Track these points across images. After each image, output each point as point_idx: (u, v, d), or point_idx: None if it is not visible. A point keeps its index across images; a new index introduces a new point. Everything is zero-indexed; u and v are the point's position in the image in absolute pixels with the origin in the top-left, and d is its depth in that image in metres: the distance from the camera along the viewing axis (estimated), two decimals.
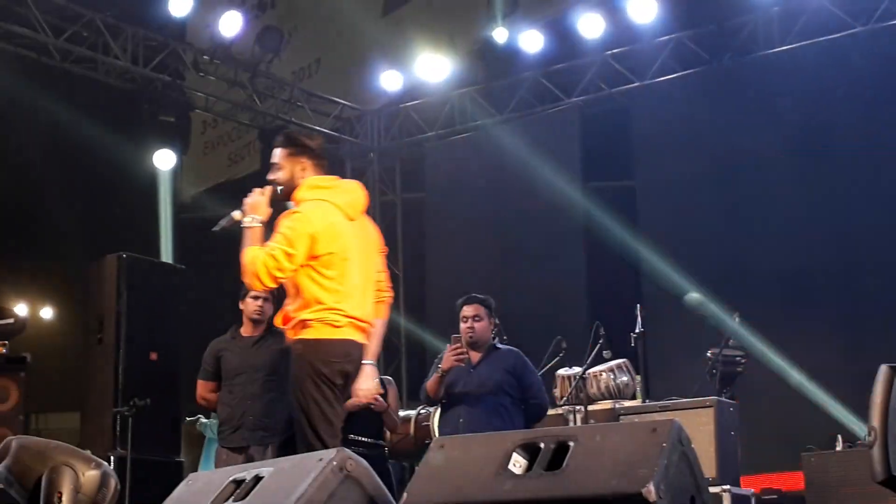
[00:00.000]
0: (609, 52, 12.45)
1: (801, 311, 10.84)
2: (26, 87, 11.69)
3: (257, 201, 5.24)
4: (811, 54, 11.22)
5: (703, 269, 10.76)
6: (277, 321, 5.31)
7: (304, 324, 5.13)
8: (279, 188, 5.32)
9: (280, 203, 5.37)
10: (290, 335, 5.17)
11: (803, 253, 10.92)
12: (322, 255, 5.16)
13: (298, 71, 14.21)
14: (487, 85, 13.53)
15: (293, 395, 5.08)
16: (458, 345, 6.78)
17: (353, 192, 5.45)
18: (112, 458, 8.20)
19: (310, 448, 4.78)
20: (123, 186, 13.91)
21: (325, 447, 4.72)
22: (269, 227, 5.30)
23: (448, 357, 6.77)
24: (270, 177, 5.36)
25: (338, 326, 5.12)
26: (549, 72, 12.92)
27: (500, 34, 12.51)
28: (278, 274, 5.09)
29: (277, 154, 5.38)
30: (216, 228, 5.33)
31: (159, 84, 12.38)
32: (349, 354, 5.17)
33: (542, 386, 7.09)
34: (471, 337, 6.93)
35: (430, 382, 6.94)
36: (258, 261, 5.09)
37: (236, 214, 5.28)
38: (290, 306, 5.21)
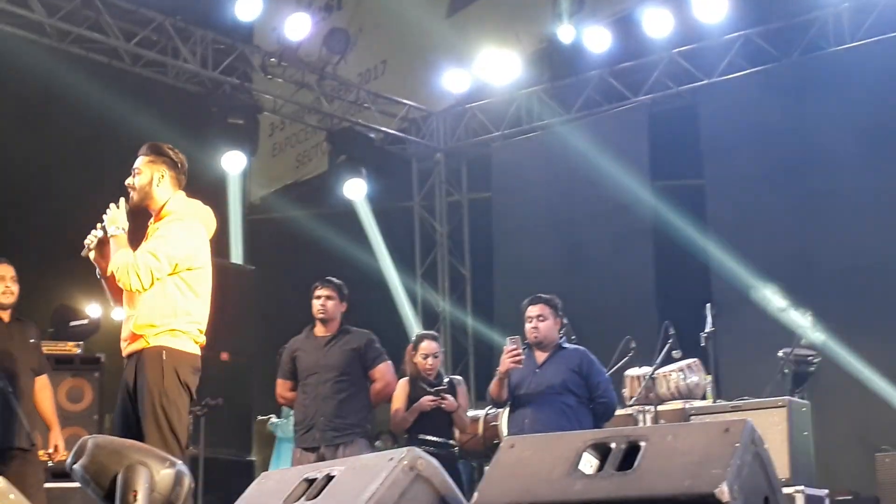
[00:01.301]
0: (676, 49, 12.35)
1: (873, 308, 10.67)
2: (97, 91, 11.84)
3: (116, 214, 5.32)
4: (882, 50, 11.05)
5: (774, 267, 10.65)
6: (128, 327, 5.34)
7: (171, 332, 5.26)
8: (134, 194, 5.44)
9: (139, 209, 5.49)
10: (150, 341, 5.24)
11: (875, 249, 10.75)
12: (195, 269, 5.36)
13: (365, 72, 14.26)
14: (553, 84, 13.48)
15: (153, 399, 5.17)
16: (514, 347, 6.75)
17: (212, 217, 5.70)
18: (183, 457, 8.29)
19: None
20: (193, 189, 14.00)
21: (182, 454, 5.05)
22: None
23: (504, 360, 6.76)
24: (129, 182, 5.46)
25: (198, 342, 5.36)
26: (616, 70, 12.85)
27: (566, 33, 12.45)
28: (158, 275, 5.20)
29: (140, 161, 5.49)
30: (84, 254, 5.39)
31: (228, 87, 12.50)
32: (199, 369, 5.39)
33: (609, 384, 7.05)
34: (535, 337, 6.91)
35: (492, 386, 6.95)
36: (139, 260, 5.17)
37: (96, 234, 5.36)
38: (148, 311, 5.26)
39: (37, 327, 7.22)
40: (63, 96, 11.94)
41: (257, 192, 15.04)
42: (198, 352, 5.36)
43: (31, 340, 7.00)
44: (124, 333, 5.35)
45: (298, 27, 12.24)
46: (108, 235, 5.27)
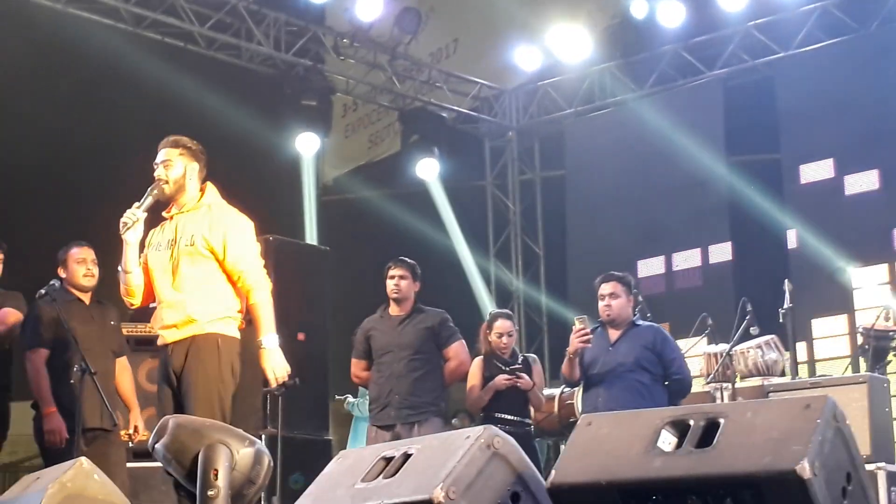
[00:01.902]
0: (752, 22, 12.19)
1: None
2: (172, 75, 11.97)
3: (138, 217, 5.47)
4: None
5: (853, 242, 10.50)
6: (177, 314, 5.43)
7: (223, 319, 5.41)
8: (167, 186, 5.53)
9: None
10: (206, 327, 5.37)
11: None
12: None
13: (436, 51, 14.24)
14: (627, 60, 13.35)
15: (210, 385, 5.31)
16: (582, 327, 6.72)
17: None
18: (263, 436, 8.38)
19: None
20: (268, 170, 14.15)
21: None
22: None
23: (573, 340, 6.74)
24: (160, 174, 5.55)
25: (241, 327, 5.52)
26: (690, 44, 12.72)
27: (638, 8, 12.35)
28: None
29: (168, 153, 5.58)
30: (122, 232, 5.48)
31: (301, 69, 12.57)
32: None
33: (683, 361, 7.00)
34: (608, 315, 6.88)
35: (563, 366, 6.94)
36: (260, 270, 5.53)
37: (137, 214, 5.48)
38: (202, 298, 5.40)
39: (117, 309, 7.31)
40: (138, 81, 12.10)
41: (330, 174, 15.12)
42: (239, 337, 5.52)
43: (112, 322, 7.10)
44: (169, 320, 5.43)
45: (370, 7, 12.26)
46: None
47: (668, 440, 3.29)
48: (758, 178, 11.78)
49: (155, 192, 5.51)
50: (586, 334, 6.70)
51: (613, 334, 6.90)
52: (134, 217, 5.43)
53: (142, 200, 5.47)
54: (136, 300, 5.60)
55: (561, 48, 13.05)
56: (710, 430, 3.22)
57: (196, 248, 5.41)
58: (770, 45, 12.18)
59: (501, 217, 14.63)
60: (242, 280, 5.45)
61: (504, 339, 7.46)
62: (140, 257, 5.55)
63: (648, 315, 7.81)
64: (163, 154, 5.57)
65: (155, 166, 5.58)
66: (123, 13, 11.45)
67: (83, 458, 4.54)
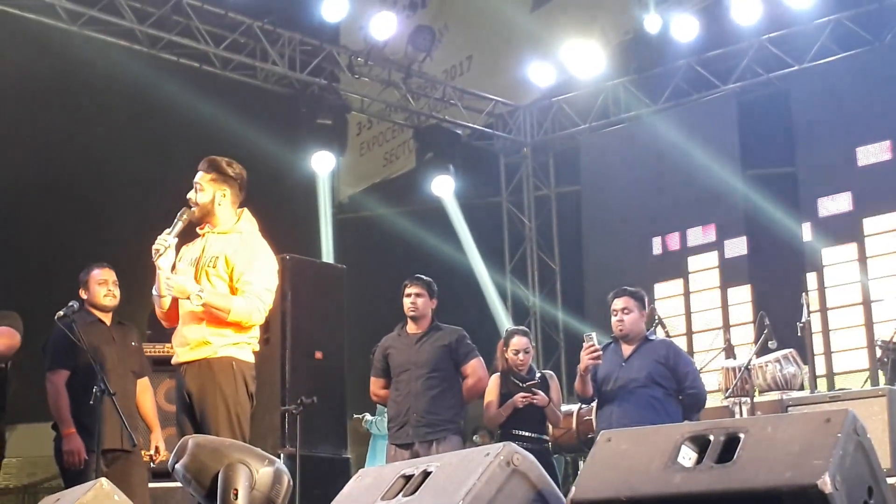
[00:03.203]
0: (765, 36, 12.20)
1: None
2: (188, 95, 12.03)
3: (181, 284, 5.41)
4: None
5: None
6: (192, 334, 5.41)
7: (237, 345, 5.40)
8: (195, 209, 5.52)
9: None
10: (219, 351, 5.36)
11: None
12: None
13: (450, 69, 14.29)
14: (641, 74, 13.37)
15: (228, 407, 5.33)
16: (591, 344, 6.70)
17: None
18: (281, 455, 8.37)
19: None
20: (284, 189, 14.20)
21: None
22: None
23: (583, 357, 6.72)
24: (191, 197, 5.53)
25: (255, 350, 5.52)
26: (704, 58, 12.73)
27: (652, 22, 12.36)
28: (266, 309, 5.53)
29: (201, 177, 5.55)
30: (155, 259, 5.43)
31: (316, 88, 12.62)
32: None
33: (697, 375, 6.97)
34: (621, 330, 6.86)
35: (576, 383, 6.92)
36: (254, 304, 5.39)
37: (167, 241, 5.44)
38: (218, 323, 5.37)
39: (137, 330, 7.34)
40: (155, 102, 12.16)
41: (346, 192, 15.17)
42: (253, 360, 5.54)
43: (133, 343, 7.12)
44: (185, 339, 5.43)
45: (384, 26, 12.30)
46: (196, 304, 5.34)
47: (688, 456, 3.28)
48: (774, 190, 11.76)
49: (184, 216, 5.49)
50: (596, 351, 6.68)
51: (626, 349, 6.89)
52: (165, 243, 5.40)
53: (172, 226, 5.45)
54: (167, 322, 5.60)
55: (575, 64, 13.07)
56: (730, 445, 3.21)
57: (217, 270, 5.42)
58: (784, 58, 12.18)
59: (517, 233, 14.64)
60: (241, 293, 5.40)
61: (521, 355, 7.45)
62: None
63: (666, 330, 7.80)
64: (197, 176, 5.56)
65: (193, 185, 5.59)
66: (139, 35, 11.52)
67: (103, 479, 4.55)
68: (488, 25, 13.75)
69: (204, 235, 5.56)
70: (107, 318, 7.00)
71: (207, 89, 12.27)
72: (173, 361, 5.53)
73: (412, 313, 7.38)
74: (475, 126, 14.15)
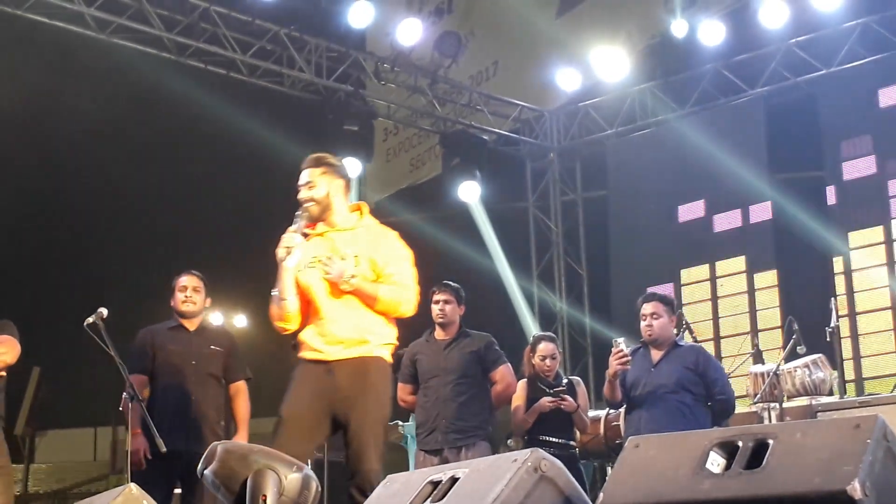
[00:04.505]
0: (793, 39, 12.15)
1: None
2: (217, 102, 12.09)
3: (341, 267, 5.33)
4: None
5: None
6: (347, 332, 5.31)
7: (386, 345, 5.36)
8: (313, 206, 5.41)
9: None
10: (374, 351, 5.30)
11: None
12: None
13: (476, 75, 14.30)
14: (667, 79, 13.35)
15: (382, 409, 5.28)
16: (620, 349, 6.67)
17: None
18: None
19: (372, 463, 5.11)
20: None
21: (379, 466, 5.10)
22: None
23: (612, 362, 6.70)
24: (305, 195, 5.42)
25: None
26: (731, 63, 12.69)
27: (679, 27, 12.33)
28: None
29: (311, 174, 5.47)
30: (282, 257, 5.30)
31: (342, 94, 12.64)
32: None
33: (727, 381, 6.94)
34: (649, 335, 6.84)
35: (605, 388, 6.90)
36: (407, 294, 5.39)
37: (294, 240, 5.31)
38: (373, 321, 5.32)
39: (229, 335, 7.40)
40: (182, 109, 12.23)
41: (372, 197, 15.17)
42: None
43: (212, 347, 7.19)
44: (334, 336, 5.29)
45: (410, 32, 12.32)
46: (348, 284, 5.25)
47: (716, 462, 3.27)
48: (802, 195, 11.71)
49: (305, 214, 5.39)
50: (625, 356, 6.65)
51: (656, 355, 6.87)
52: (293, 243, 5.28)
53: (295, 225, 5.34)
54: (292, 325, 5.39)
55: (601, 68, 13.04)
56: (758, 451, 3.20)
57: (360, 269, 5.34)
58: (812, 62, 12.12)
59: (544, 238, 14.63)
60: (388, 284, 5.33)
61: (547, 361, 7.45)
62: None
63: (694, 335, 7.78)
64: (306, 175, 5.46)
65: (298, 188, 5.46)
66: (167, 42, 11.58)
67: (132, 485, 4.57)
68: (514, 31, 13.74)
69: (324, 235, 5.44)
70: (190, 324, 7.15)
71: (235, 97, 12.33)
72: (309, 357, 5.32)
73: (440, 320, 7.39)
74: (501, 131, 14.15)
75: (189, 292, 7.13)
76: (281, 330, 5.42)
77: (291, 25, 12.20)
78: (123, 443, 6.65)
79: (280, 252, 5.28)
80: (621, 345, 6.69)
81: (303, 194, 5.43)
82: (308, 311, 5.38)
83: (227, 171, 15.17)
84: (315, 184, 5.43)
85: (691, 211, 12.74)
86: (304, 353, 5.34)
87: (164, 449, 6.71)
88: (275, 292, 5.34)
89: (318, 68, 12.47)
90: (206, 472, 4.04)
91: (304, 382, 5.31)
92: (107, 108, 13.38)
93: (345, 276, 5.24)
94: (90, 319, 6.65)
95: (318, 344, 5.31)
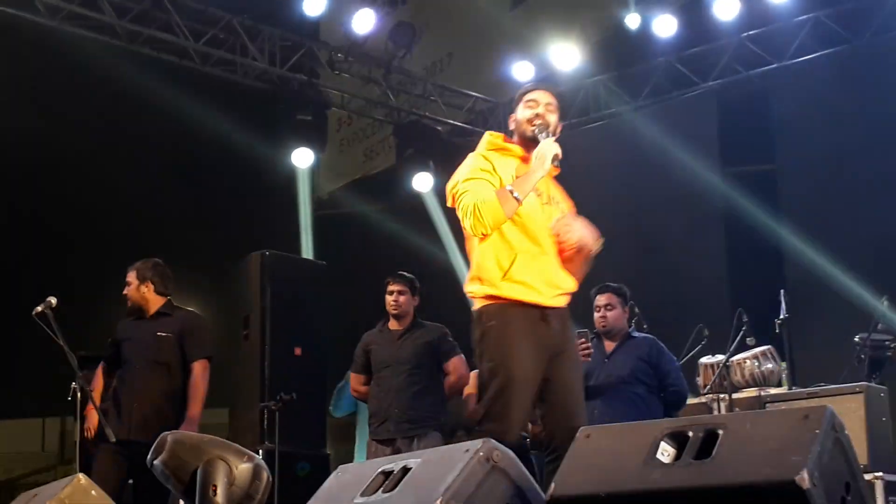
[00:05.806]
0: (745, 33, 12.20)
1: None
2: (168, 91, 11.99)
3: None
4: None
5: (848, 252, 10.51)
6: (565, 282, 5.06)
7: None
8: (548, 130, 5.18)
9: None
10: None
11: None
12: None
13: (431, 66, 14.28)
14: (620, 72, 13.38)
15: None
16: (583, 340, 6.68)
17: None
18: (260, 451, 8.36)
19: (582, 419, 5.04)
20: (263, 185, 14.19)
21: None
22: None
23: None
24: (552, 120, 5.20)
25: None
26: (684, 56, 12.73)
27: (632, 20, 12.37)
28: None
29: (549, 97, 5.28)
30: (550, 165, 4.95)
31: (296, 83, 12.57)
32: None
33: (679, 372, 7.00)
34: (603, 326, 6.89)
35: None
36: None
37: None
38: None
39: (183, 318, 7.32)
40: (134, 97, 12.12)
41: (326, 188, 15.15)
42: None
43: (160, 333, 7.20)
44: (560, 284, 5.03)
45: (364, 22, 12.27)
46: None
47: (666, 452, 3.30)
48: (753, 188, 11.78)
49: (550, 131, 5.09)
50: (587, 347, 6.67)
51: (609, 346, 6.91)
52: (559, 151, 4.99)
53: (552, 137, 5.11)
54: (493, 231, 4.97)
55: (555, 61, 13.06)
56: (708, 441, 3.23)
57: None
58: (763, 55, 12.20)
59: None
60: None
61: None
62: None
63: (645, 326, 7.81)
64: (548, 97, 5.24)
65: (535, 103, 5.23)
66: (118, 29, 11.44)
67: (81, 475, 4.55)
68: (468, 22, 13.73)
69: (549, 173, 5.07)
70: (144, 313, 7.19)
71: (187, 85, 12.23)
72: (533, 300, 4.89)
73: (395, 311, 7.40)
74: (455, 123, 14.13)
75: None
76: (483, 229, 4.98)
77: (245, 14, 12.10)
78: (72, 434, 6.64)
79: (556, 152, 4.98)
80: (584, 335, 6.71)
81: (548, 115, 5.19)
82: (521, 244, 4.97)
83: (179, 160, 15.05)
84: (554, 109, 5.25)
85: (642, 203, 12.78)
86: (517, 293, 4.93)
87: (113, 439, 6.69)
88: (510, 187, 4.94)
89: (272, 57, 12.38)
90: (155, 462, 4.02)
91: (524, 334, 4.90)
92: (55, 95, 13.25)
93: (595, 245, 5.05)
94: (39, 308, 6.61)
95: (538, 284, 4.94)
